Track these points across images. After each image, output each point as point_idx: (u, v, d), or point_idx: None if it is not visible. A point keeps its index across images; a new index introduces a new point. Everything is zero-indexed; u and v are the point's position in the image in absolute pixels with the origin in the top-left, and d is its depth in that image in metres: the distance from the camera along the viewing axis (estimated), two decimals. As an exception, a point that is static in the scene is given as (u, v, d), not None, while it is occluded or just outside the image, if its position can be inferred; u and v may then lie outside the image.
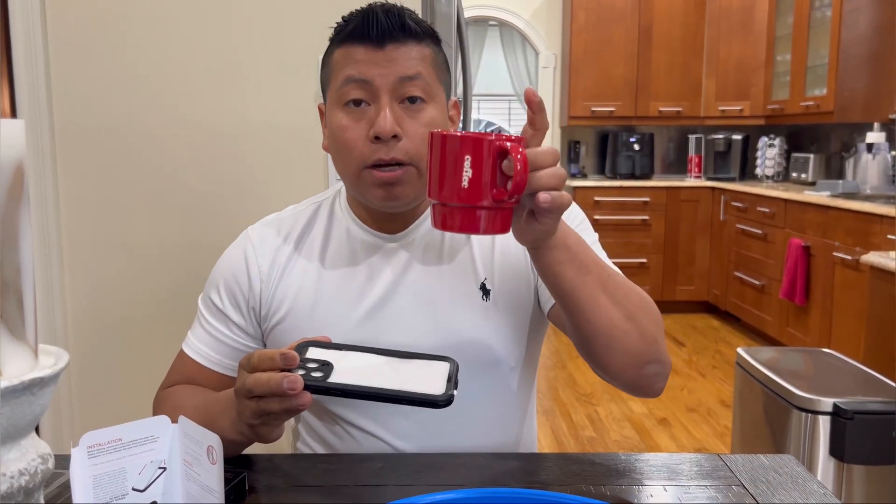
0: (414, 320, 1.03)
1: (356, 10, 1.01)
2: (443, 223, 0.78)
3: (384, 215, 1.06)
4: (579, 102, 5.60)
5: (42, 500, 0.56)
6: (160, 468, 0.72)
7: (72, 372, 1.93)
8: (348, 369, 0.79)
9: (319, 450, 1.10)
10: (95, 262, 1.92)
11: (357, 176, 1.00)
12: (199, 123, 1.90)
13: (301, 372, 0.78)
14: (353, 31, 0.98)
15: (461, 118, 1.12)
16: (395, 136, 0.97)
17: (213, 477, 0.70)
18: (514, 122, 9.04)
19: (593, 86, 5.59)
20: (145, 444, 0.71)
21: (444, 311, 1.04)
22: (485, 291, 1.05)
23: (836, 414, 1.93)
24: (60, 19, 1.85)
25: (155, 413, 1.05)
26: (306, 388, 0.77)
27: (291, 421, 1.18)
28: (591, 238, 1.08)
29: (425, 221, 1.07)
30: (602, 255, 1.06)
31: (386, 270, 1.05)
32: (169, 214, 1.93)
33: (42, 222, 1.84)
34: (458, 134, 0.76)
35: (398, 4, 1.01)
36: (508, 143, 0.74)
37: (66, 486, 0.84)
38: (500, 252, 1.07)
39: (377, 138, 0.96)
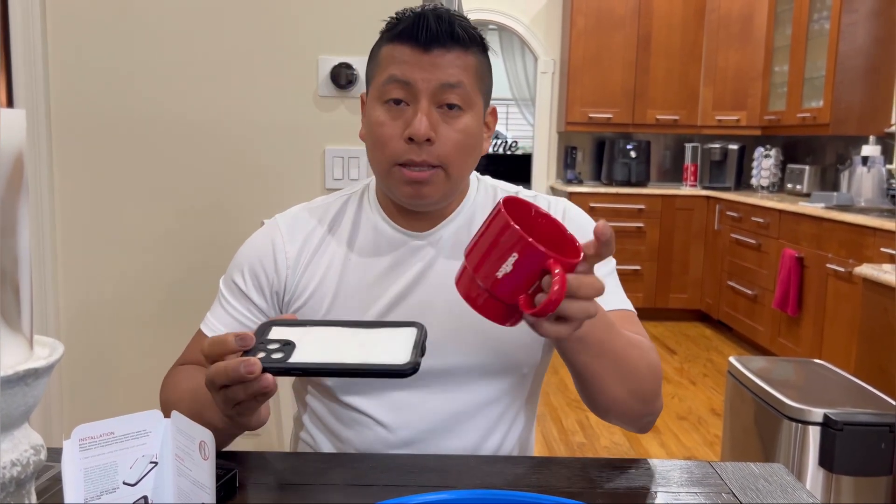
0: (433, 318, 1.02)
1: (409, 9, 1.02)
2: (465, 293, 0.77)
3: (412, 212, 1.08)
4: (577, 108, 5.61)
5: (34, 492, 0.55)
6: (151, 463, 0.72)
7: (62, 364, 1.93)
8: (311, 347, 0.77)
9: (323, 440, 1.10)
10: (89, 256, 1.92)
11: (388, 171, 1.02)
12: (197, 119, 1.90)
13: (261, 354, 0.75)
14: (402, 31, 1.00)
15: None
16: (428, 140, 0.99)
17: (205, 473, 0.70)
18: (510, 126, 9.07)
19: (591, 92, 5.60)
20: (137, 439, 0.70)
21: (464, 312, 1.04)
22: None
23: (827, 425, 1.94)
24: (60, 12, 1.85)
25: (161, 394, 1.06)
26: (267, 370, 0.74)
27: (294, 413, 1.19)
28: (608, 266, 1.08)
29: (452, 222, 1.09)
30: (615, 282, 1.08)
31: (410, 267, 1.07)
32: (164, 209, 1.93)
33: (36, 214, 1.84)
34: (519, 229, 0.72)
35: (451, 10, 1.02)
36: (556, 267, 0.71)
37: (57, 479, 0.84)
38: None
39: (411, 139, 0.99)
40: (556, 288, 0.70)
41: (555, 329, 0.77)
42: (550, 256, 0.72)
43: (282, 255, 1.09)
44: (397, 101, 1.00)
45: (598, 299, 0.79)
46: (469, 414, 1.06)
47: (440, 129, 1.00)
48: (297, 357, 0.75)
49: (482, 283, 0.74)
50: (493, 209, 0.75)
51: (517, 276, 0.73)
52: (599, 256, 0.77)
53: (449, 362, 1.05)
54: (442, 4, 1.06)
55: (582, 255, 0.75)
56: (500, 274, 0.73)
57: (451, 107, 1.00)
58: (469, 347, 1.04)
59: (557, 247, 0.76)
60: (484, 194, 1.13)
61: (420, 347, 0.74)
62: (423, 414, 1.05)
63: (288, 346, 0.76)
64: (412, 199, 1.02)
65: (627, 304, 1.08)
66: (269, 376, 0.74)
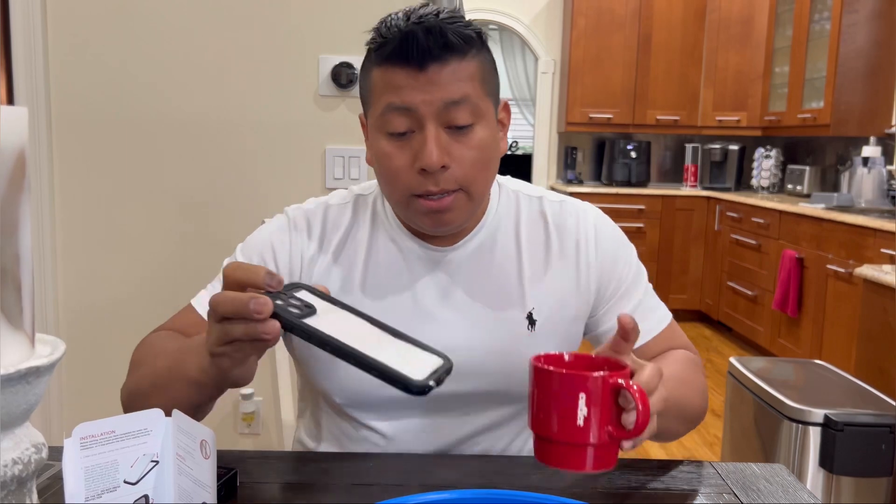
0: (453, 341, 0.96)
1: (393, 23, 0.91)
2: (546, 458, 0.74)
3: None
4: (577, 109, 5.61)
5: (35, 490, 0.55)
6: (152, 461, 0.72)
7: (63, 362, 1.93)
8: (330, 322, 0.70)
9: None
10: (89, 254, 1.92)
11: (405, 203, 0.95)
12: (197, 118, 1.90)
13: (279, 302, 0.69)
14: (392, 52, 0.90)
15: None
16: (443, 167, 0.91)
17: (206, 472, 0.70)
18: (512, 127, 9.04)
19: (592, 92, 5.59)
20: (138, 437, 0.70)
21: (486, 332, 1.01)
22: (531, 321, 1.02)
23: (827, 425, 1.94)
24: (60, 10, 1.85)
25: (135, 352, 0.99)
26: (276, 316, 0.68)
27: (298, 420, 1.17)
28: (642, 286, 1.08)
29: (474, 238, 1.03)
30: (654, 301, 1.09)
31: (431, 282, 1.01)
32: (164, 208, 1.93)
33: (37, 213, 1.83)
34: (570, 372, 0.71)
35: (440, 14, 0.92)
36: (622, 381, 0.70)
37: (57, 478, 0.84)
38: (552, 284, 1.04)
39: (424, 170, 0.91)
40: (638, 397, 0.70)
41: (651, 429, 0.74)
42: (612, 376, 0.71)
43: (297, 249, 1.03)
44: (402, 134, 0.92)
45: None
46: (482, 435, 1.04)
47: (453, 151, 0.91)
48: (311, 321, 0.69)
49: (573, 440, 0.72)
50: (531, 371, 0.74)
51: (594, 411, 0.71)
52: (631, 342, 0.76)
53: (467, 387, 0.99)
54: (429, 4, 0.96)
55: (627, 366, 0.74)
56: (580, 421, 0.71)
57: (460, 128, 0.92)
58: (489, 374, 1.00)
59: (592, 365, 0.76)
60: (506, 204, 1.06)
61: (439, 376, 0.68)
62: (436, 435, 1.03)
63: (309, 308, 0.71)
64: (435, 227, 0.96)
65: (668, 316, 1.08)
66: (275, 323, 0.68)
